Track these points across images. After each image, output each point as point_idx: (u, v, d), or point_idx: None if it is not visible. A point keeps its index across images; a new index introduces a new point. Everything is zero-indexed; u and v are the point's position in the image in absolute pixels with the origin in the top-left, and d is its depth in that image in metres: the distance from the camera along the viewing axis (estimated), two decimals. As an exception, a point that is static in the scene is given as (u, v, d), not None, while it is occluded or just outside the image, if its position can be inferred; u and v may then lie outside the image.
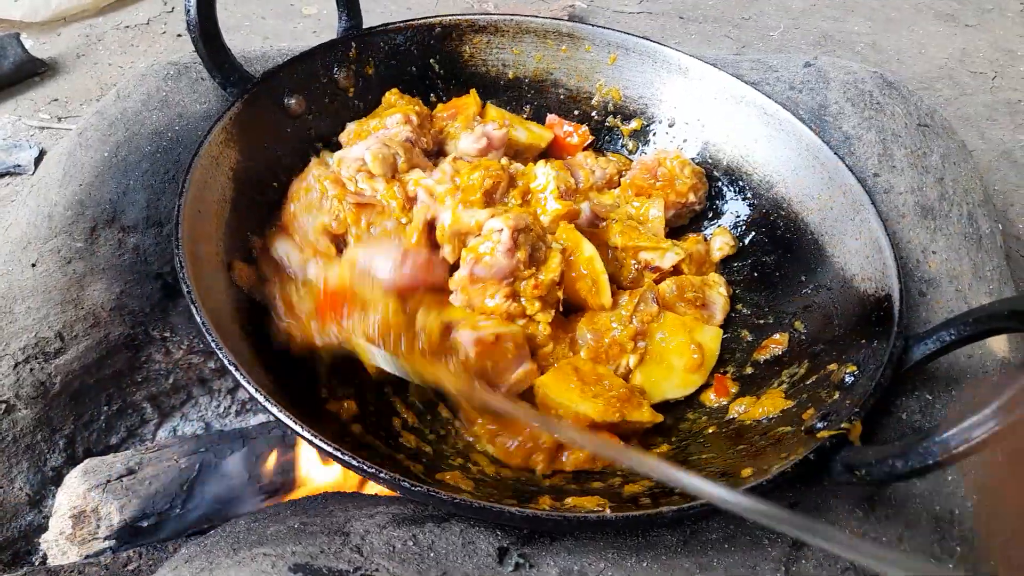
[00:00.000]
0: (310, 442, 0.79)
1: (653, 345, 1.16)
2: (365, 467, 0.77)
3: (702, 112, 1.41)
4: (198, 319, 0.87)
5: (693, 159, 1.41)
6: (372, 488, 1.12)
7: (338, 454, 0.78)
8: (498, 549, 0.79)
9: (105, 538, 1.22)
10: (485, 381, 1.03)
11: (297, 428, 0.80)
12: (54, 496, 1.33)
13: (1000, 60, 2.58)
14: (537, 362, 1.11)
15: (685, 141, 1.43)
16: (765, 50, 2.57)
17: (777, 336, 1.18)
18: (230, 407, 1.56)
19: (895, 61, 2.55)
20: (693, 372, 1.14)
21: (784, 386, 1.09)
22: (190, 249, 0.96)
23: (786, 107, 1.32)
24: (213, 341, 0.85)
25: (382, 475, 0.77)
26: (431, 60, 1.43)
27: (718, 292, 1.26)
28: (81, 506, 1.22)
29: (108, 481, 1.25)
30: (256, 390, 0.81)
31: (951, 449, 0.70)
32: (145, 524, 1.24)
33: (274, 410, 0.80)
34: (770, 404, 1.06)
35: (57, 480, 1.35)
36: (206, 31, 1.14)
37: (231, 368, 0.83)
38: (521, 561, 0.78)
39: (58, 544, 1.23)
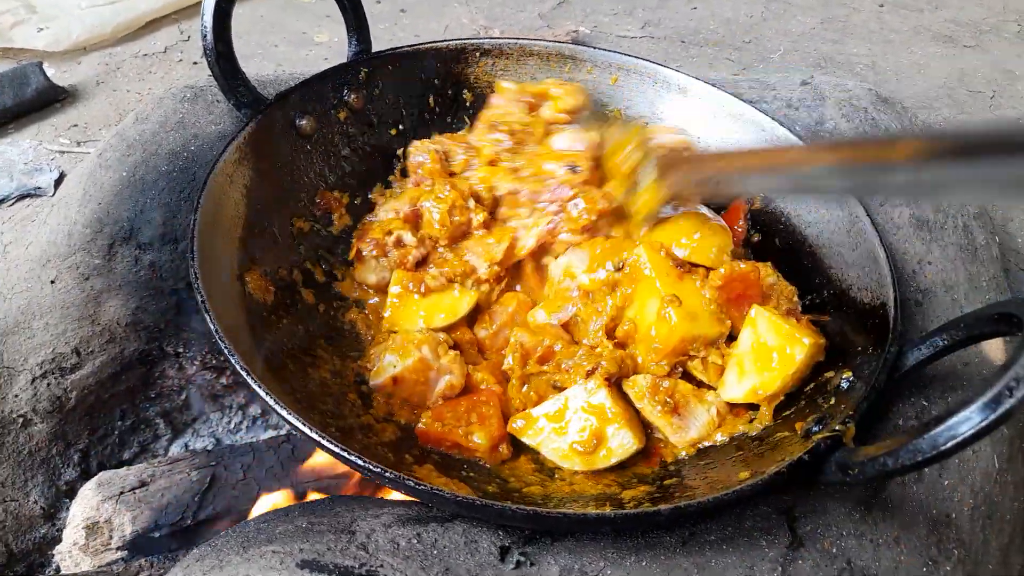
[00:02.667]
0: (319, 444, 0.82)
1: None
2: (371, 467, 0.80)
3: (701, 130, 1.44)
4: (211, 326, 0.90)
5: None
6: (379, 493, 1.15)
7: (346, 455, 0.81)
8: (500, 548, 0.81)
9: (117, 548, 1.25)
10: (413, 408, 1.10)
11: (307, 430, 0.82)
12: (67, 509, 1.35)
13: (998, 80, 2.61)
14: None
15: (685, 158, 1.46)
16: (765, 71, 2.62)
17: None
18: (240, 423, 1.59)
19: (894, 81, 2.59)
20: (577, 455, 1.02)
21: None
22: (204, 262, 1.00)
23: (783, 124, 1.35)
24: (226, 347, 0.88)
25: (388, 475, 0.79)
26: (438, 82, 1.47)
27: (706, 410, 1.09)
28: (95, 517, 1.25)
29: (121, 493, 1.28)
30: (266, 393, 0.84)
31: (939, 446, 0.72)
32: (157, 535, 1.26)
33: (283, 412, 0.83)
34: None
35: (71, 494, 1.38)
36: (222, 54, 1.19)
37: (242, 372, 0.86)
38: (522, 559, 0.80)
39: (71, 555, 1.26)
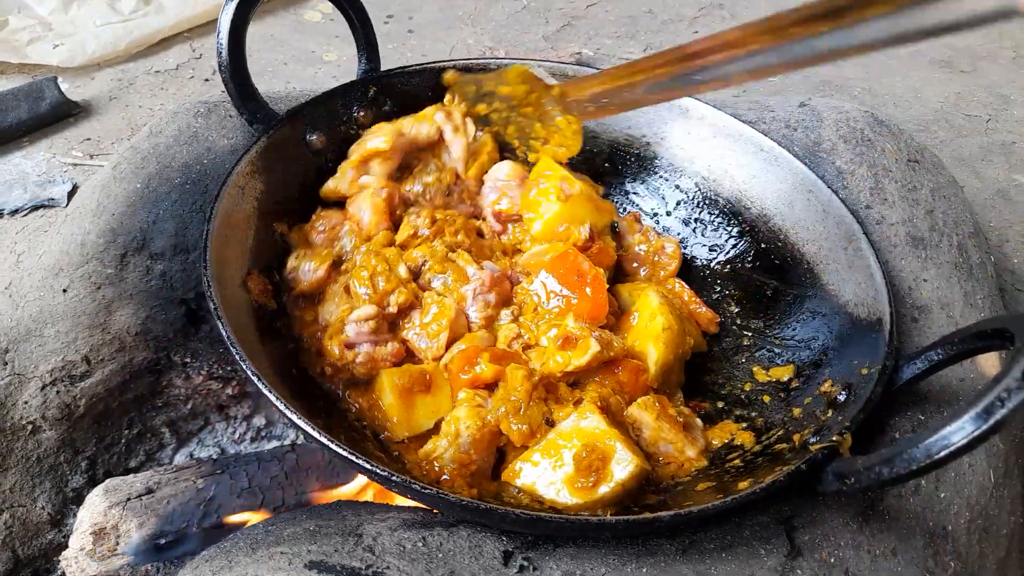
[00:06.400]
0: (327, 447, 0.84)
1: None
2: (378, 471, 0.82)
3: (702, 149, 1.48)
4: (224, 333, 0.92)
5: (692, 191, 1.48)
6: (385, 498, 1.16)
7: (353, 458, 0.83)
8: (504, 552, 0.83)
9: (124, 554, 1.26)
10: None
11: (315, 434, 0.84)
12: (74, 516, 1.36)
13: (994, 104, 2.66)
14: None
15: (687, 175, 1.49)
16: (764, 94, 2.66)
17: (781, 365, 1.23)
18: (245, 433, 1.60)
19: (891, 105, 2.63)
20: (572, 484, 0.93)
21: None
22: (217, 271, 1.02)
23: (782, 144, 1.38)
24: (237, 353, 0.90)
25: (394, 479, 0.81)
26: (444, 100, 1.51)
27: (696, 421, 1.13)
28: (101, 523, 1.26)
29: (128, 499, 1.29)
30: (276, 398, 0.86)
31: (933, 455, 0.74)
32: (163, 541, 1.27)
33: (293, 417, 0.85)
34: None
35: (77, 501, 1.39)
36: (236, 70, 1.23)
37: (253, 378, 0.88)
38: (525, 564, 0.82)
39: (77, 561, 1.27)
